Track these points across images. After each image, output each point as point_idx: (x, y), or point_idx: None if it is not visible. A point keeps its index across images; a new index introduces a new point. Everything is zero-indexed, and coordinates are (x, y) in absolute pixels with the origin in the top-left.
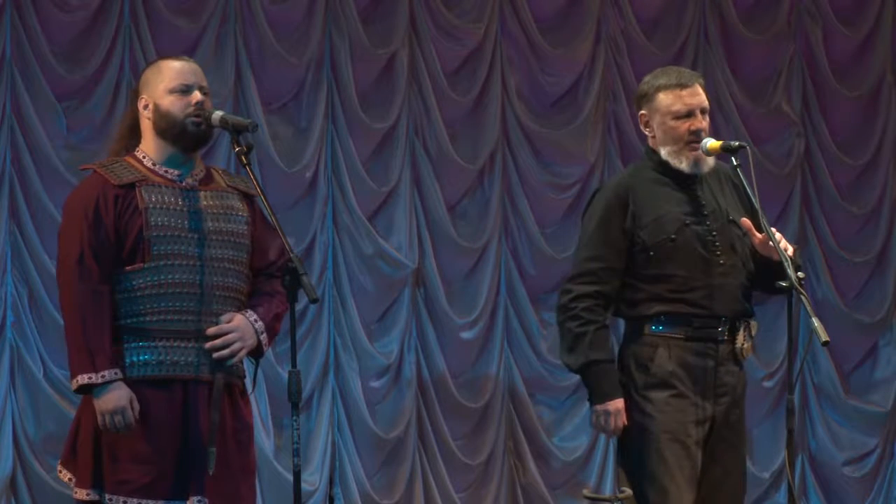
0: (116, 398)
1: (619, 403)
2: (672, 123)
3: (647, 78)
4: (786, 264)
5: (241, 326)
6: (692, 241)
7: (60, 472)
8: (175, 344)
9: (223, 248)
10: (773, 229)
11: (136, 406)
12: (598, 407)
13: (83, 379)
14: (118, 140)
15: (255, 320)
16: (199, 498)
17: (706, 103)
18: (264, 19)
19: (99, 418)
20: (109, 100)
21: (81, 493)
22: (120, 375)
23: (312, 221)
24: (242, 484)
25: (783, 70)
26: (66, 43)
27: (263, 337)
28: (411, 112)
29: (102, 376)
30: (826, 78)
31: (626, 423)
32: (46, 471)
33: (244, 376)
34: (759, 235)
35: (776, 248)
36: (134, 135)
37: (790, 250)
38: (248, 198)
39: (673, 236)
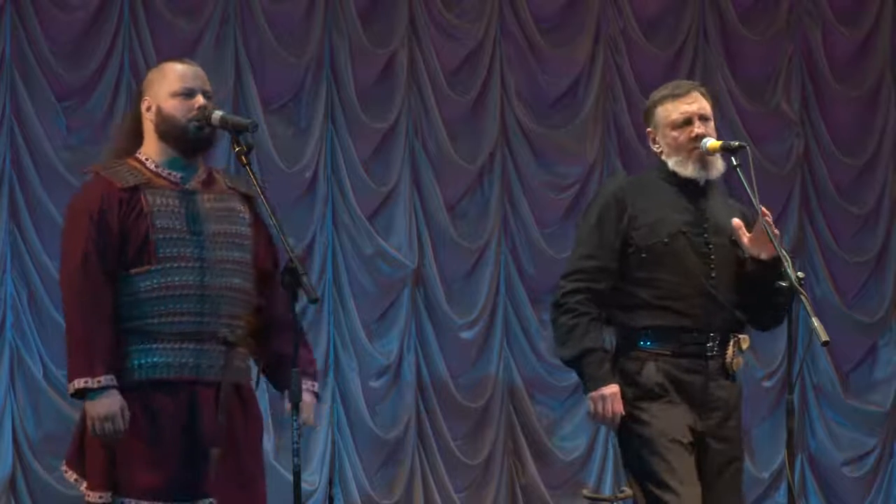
0: (109, 405)
1: (614, 388)
2: (673, 134)
3: (651, 95)
4: (785, 263)
5: (310, 405)
6: (686, 248)
7: (66, 471)
8: (180, 346)
9: (227, 249)
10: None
11: (127, 414)
12: (594, 393)
13: (79, 383)
14: (120, 141)
15: (312, 386)
16: (209, 500)
17: (706, 110)
18: (264, 19)
19: (89, 424)
20: (109, 100)
21: (94, 496)
22: (115, 382)
23: (312, 221)
24: (259, 484)
25: (782, 70)
26: (66, 43)
27: (313, 385)
28: (411, 112)
29: (99, 382)
30: (825, 78)
31: (622, 410)
32: (46, 471)
33: (259, 377)
34: (748, 235)
35: (773, 243)
36: (137, 136)
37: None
38: (247, 199)
39: (666, 240)
